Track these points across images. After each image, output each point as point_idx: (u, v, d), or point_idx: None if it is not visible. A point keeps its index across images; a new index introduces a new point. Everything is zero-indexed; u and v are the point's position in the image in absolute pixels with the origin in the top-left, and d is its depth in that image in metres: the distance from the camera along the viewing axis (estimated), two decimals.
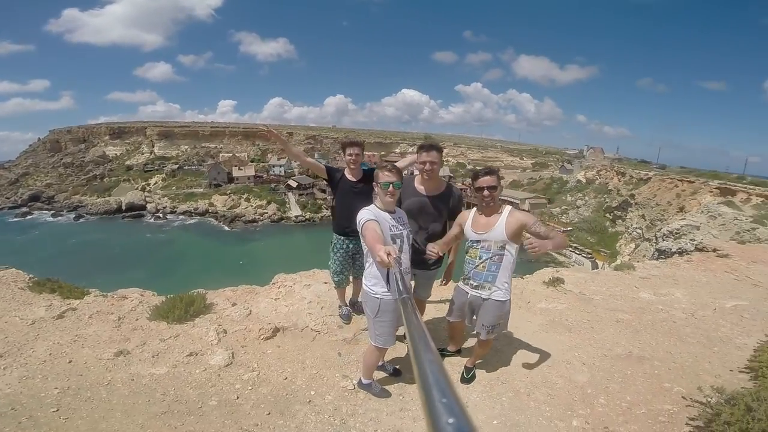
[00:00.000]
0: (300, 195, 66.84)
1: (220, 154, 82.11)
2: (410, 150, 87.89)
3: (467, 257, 2.99)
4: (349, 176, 3.58)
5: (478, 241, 2.85)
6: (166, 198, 67.73)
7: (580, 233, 49.98)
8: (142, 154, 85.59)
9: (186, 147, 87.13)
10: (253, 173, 71.25)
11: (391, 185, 2.54)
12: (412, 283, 3.23)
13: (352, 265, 3.70)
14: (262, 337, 3.38)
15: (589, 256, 44.18)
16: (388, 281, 2.50)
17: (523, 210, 2.73)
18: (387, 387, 2.96)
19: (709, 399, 3.16)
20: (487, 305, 2.89)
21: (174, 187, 71.00)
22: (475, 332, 3.13)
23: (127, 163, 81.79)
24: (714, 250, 11.30)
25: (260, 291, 4.71)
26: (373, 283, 2.58)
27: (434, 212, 3.23)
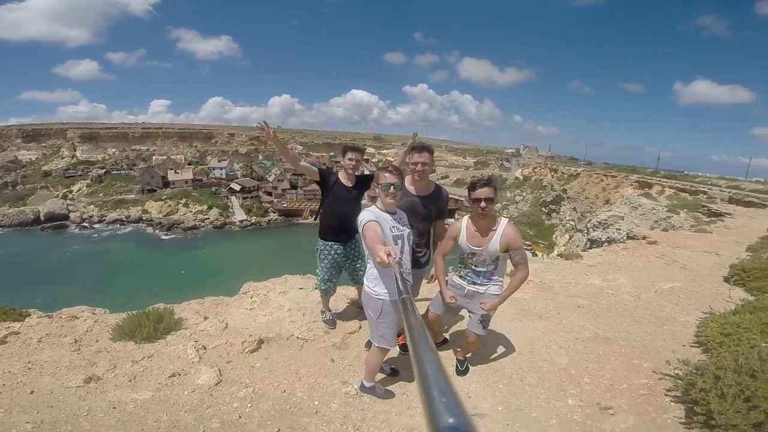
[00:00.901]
0: (244, 198, 63.76)
1: (154, 157, 75.90)
2: None
3: (463, 262, 3.03)
4: (344, 181, 3.50)
5: (473, 254, 2.88)
6: (92, 206, 60.92)
7: (520, 227, 53.03)
8: (63, 158, 76.69)
9: (114, 150, 79.47)
10: (192, 176, 66.56)
11: (392, 186, 2.52)
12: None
13: (339, 273, 3.62)
14: (246, 350, 3.14)
15: (529, 247, 47.14)
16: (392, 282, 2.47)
17: (511, 228, 2.83)
18: (388, 387, 2.93)
19: (678, 371, 3.48)
20: (484, 298, 2.96)
21: (101, 194, 64.25)
22: (467, 327, 3.19)
23: (45, 168, 72.71)
24: (644, 238, 12.58)
25: (230, 302, 4.40)
26: (375, 284, 2.54)
27: (424, 212, 3.28)
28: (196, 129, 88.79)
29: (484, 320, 3.02)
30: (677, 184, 43.09)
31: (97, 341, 2.96)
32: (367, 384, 2.81)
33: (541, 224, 53.55)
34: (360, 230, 2.48)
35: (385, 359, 3.16)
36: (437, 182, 3.56)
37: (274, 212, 61.93)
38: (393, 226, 2.56)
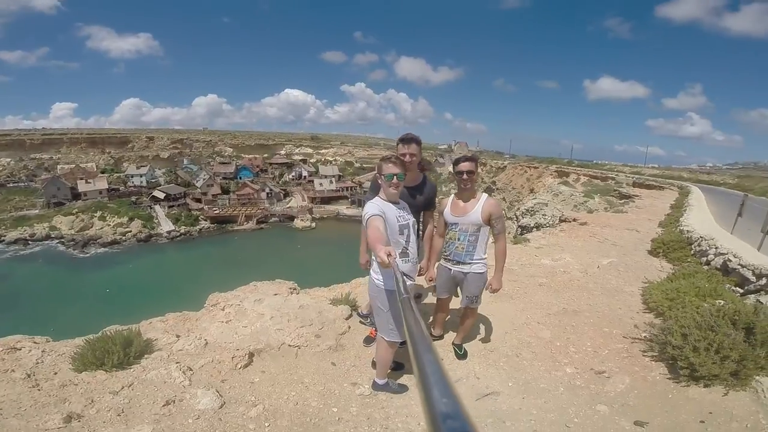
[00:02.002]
0: (170, 207, 58.40)
1: (59, 167, 66.46)
2: (296, 151, 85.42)
3: (447, 238, 3.17)
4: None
5: (456, 224, 3.05)
6: None
7: None
8: None
9: (8, 160, 68.19)
10: (106, 186, 59.26)
11: (395, 177, 2.50)
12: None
13: None
14: (239, 365, 2.84)
15: None
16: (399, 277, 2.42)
17: (492, 200, 3.01)
18: (399, 381, 2.88)
19: (645, 335, 3.86)
20: (470, 278, 3.10)
21: None
22: (460, 305, 3.30)
23: None
24: (574, 220, 13.83)
25: (199, 317, 3.98)
26: (383, 275, 2.46)
27: (413, 202, 3.27)
28: (108, 133, 79.13)
29: (476, 298, 3.19)
30: (590, 172, 48.28)
31: (55, 374, 2.47)
32: (380, 381, 2.72)
33: None
34: (363, 223, 2.44)
35: None
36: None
37: (206, 220, 57.60)
38: (398, 215, 2.55)
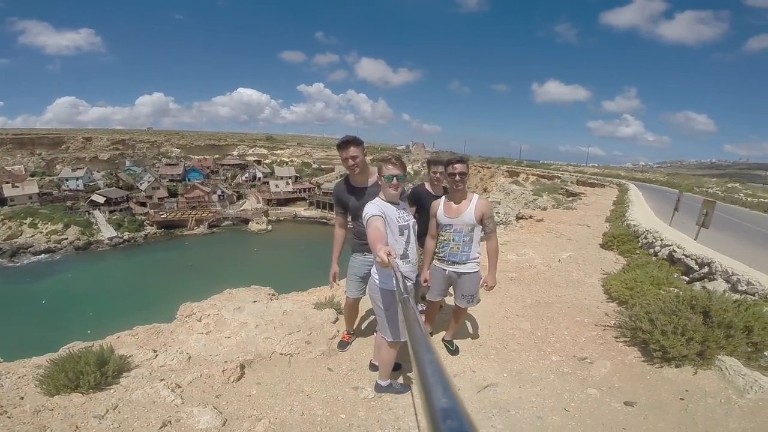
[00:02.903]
0: (111, 212, 53.97)
1: None
2: (250, 151, 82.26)
3: (441, 240, 3.18)
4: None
5: (450, 225, 3.08)
6: None
7: None
8: None
9: None
10: (37, 190, 53.48)
11: (395, 178, 2.50)
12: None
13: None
14: (231, 379, 2.69)
15: None
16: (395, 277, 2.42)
17: (483, 200, 3.10)
18: (400, 381, 2.88)
19: (613, 322, 4.15)
20: (465, 278, 3.16)
21: None
22: (455, 304, 3.35)
23: None
24: (531, 217, 14.59)
25: (173, 329, 3.72)
26: (384, 276, 2.46)
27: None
28: (39, 134, 71.20)
29: (473, 297, 3.26)
30: (538, 172, 51.21)
31: (22, 398, 2.18)
32: (383, 383, 2.70)
33: None
34: (364, 223, 2.44)
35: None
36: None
37: (152, 225, 53.84)
38: (399, 216, 2.54)
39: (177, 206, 58.03)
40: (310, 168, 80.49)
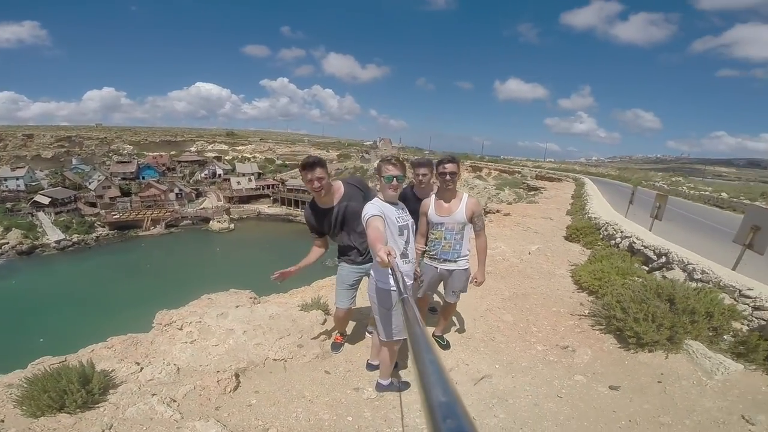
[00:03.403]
0: (58, 213, 49.95)
1: None
2: (210, 147, 78.80)
3: (432, 238, 3.24)
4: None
5: (441, 224, 3.14)
6: None
7: None
8: None
9: None
10: None
11: (395, 179, 2.50)
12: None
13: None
14: (227, 389, 2.60)
15: None
16: (394, 278, 2.45)
17: (473, 199, 3.19)
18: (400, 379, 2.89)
19: (587, 311, 4.41)
20: (456, 274, 3.24)
21: None
22: (446, 300, 3.44)
23: None
24: (498, 211, 15.11)
25: (153, 339, 3.54)
26: (386, 277, 2.48)
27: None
28: None
29: (459, 291, 3.35)
30: (499, 167, 52.95)
31: (2, 421, 2.01)
32: (384, 382, 2.72)
33: None
34: (363, 223, 2.42)
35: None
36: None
37: (104, 226, 50.35)
38: (398, 216, 2.55)
39: (131, 206, 54.55)
40: (274, 164, 78.42)
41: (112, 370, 2.81)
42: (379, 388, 2.74)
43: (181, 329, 3.70)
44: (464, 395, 2.68)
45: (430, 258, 3.27)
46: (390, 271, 2.39)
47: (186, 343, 3.40)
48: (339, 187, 3.07)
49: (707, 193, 21.71)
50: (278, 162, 79.54)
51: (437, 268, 3.22)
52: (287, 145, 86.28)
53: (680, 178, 34.54)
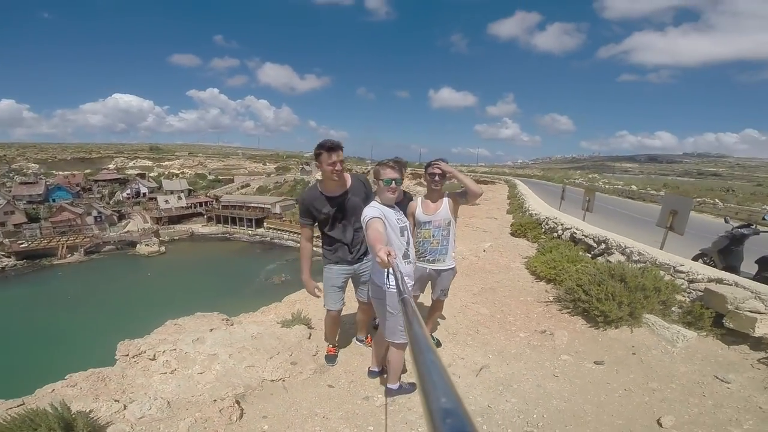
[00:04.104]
0: None
1: None
2: (131, 164, 72.02)
3: (420, 238, 3.33)
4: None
5: (429, 222, 3.27)
6: None
7: None
8: None
9: None
10: None
11: (393, 182, 2.54)
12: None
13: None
14: (233, 418, 2.42)
15: None
16: (387, 279, 2.50)
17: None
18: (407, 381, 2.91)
19: (552, 297, 4.79)
20: (444, 274, 3.38)
21: None
22: (433, 298, 3.57)
23: None
24: None
25: (124, 372, 3.18)
26: (391, 279, 2.51)
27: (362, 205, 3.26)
28: None
29: (446, 289, 3.51)
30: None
31: None
32: (393, 386, 2.73)
33: None
34: (363, 225, 2.44)
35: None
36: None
37: (9, 256, 43.65)
38: (397, 218, 2.60)
39: (41, 233, 47.85)
40: (206, 180, 73.87)
41: (90, 411, 2.49)
42: (390, 393, 2.73)
43: (154, 359, 3.37)
44: (471, 386, 2.79)
45: (419, 259, 3.35)
46: (390, 271, 2.45)
47: (165, 373, 3.11)
48: (347, 178, 3.06)
49: (620, 186, 24.61)
50: (210, 177, 75.09)
51: (426, 268, 3.31)
52: (219, 159, 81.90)
53: (596, 175, 38.78)
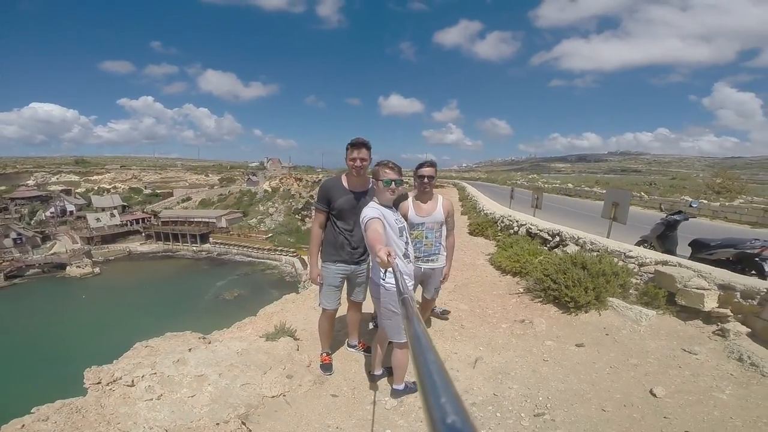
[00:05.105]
0: None
1: None
2: (54, 179, 64.79)
3: (413, 238, 3.36)
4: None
5: (422, 224, 3.36)
6: None
7: (280, 236, 54.67)
8: None
9: None
10: None
11: (393, 183, 2.58)
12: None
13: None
14: None
15: (295, 254, 49.11)
16: (383, 278, 2.57)
17: (447, 199, 3.55)
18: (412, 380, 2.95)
19: (524, 288, 5.09)
20: (437, 272, 3.51)
21: None
22: (427, 297, 3.69)
23: None
24: None
25: (99, 402, 2.92)
26: (393, 279, 2.56)
27: (360, 205, 3.35)
28: None
29: (438, 288, 3.66)
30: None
31: None
32: (399, 387, 2.76)
33: (299, 231, 56.65)
34: (362, 226, 2.47)
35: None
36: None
37: None
38: (396, 219, 2.64)
39: None
40: (141, 194, 68.63)
41: None
42: (396, 394, 2.77)
43: (133, 385, 3.12)
44: (472, 378, 2.92)
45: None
46: (390, 271, 2.50)
47: (151, 400, 2.89)
48: (368, 179, 3.15)
49: (558, 185, 26.59)
50: (147, 191, 69.87)
51: (421, 267, 3.38)
52: (156, 171, 76.38)
53: (535, 175, 41.60)
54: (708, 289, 3.52)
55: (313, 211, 3.37)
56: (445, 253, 3.49)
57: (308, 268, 3.39)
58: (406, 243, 2.68)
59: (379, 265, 2.17)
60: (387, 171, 2.57)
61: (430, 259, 3.38)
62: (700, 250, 5.03)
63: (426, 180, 3.26)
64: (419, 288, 3.68)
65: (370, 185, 3.25)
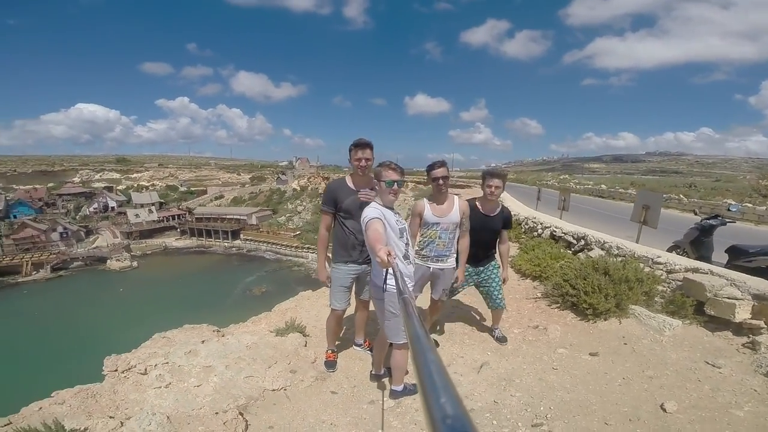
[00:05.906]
0: None
1: None
2: (98, 177, 68.98)
3: (425, 238, 3.34)
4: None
5: (438, 224, 3.28)
6: None
7: (308, 234, 55.62)
8: None
9: None
10: None
11: (395, 183, 2.56)
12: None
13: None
14: (239, 430, 2.35)
15: None
16: (385, 280, 2.52)
17: (463, 200, 3.45)
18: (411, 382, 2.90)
19: (542, 293, 4.91)
20: (446, 273, 3.40)
21: None
22: (435, 298, 3.58)
23: None
24: None
25: (113, 388, 3.05)
26: (394, 280, 2.52)
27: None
28: None
29: (453, 290, 3.55)
30: (414, 179, 55.83)
31: None
32: (398, 388, 2.72)
33: None
34: (363, 226, 2.45)
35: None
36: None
37: None
38: (397, 220, 2.61)
39: (2, 250, 45.11)
40: (177, 191, 71.64)
41: (86, 429, 2.38)
42: (395, 395, 2.73)
43: (145, 373, 3.26)
44: (474, 383, 2.83)
45: (421, 258, 3.34)
46: (390, 271, 2.46)
47: (160, 387, 3.00)
48: (372, 179, 3.10)
49: (590, 186, 25.55)
50: (182, 189, 72.90)
51: (430, 267, 3.31)
52: (191, 169, 79.60)
53: (566, 176, 40.18)
54: (741, 299, 3.25)
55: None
56: (454, 256, 3.39)
57: (317, 270, 3.39)
58: (407, 244, 2.64)
59: (379, 264, 2.15)
60: (389, 172, 2.54)
61: (440, 259, 3.29)
62: (738, 257, 4.67)
63: (441, 181, 3.17)
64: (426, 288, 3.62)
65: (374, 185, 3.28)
